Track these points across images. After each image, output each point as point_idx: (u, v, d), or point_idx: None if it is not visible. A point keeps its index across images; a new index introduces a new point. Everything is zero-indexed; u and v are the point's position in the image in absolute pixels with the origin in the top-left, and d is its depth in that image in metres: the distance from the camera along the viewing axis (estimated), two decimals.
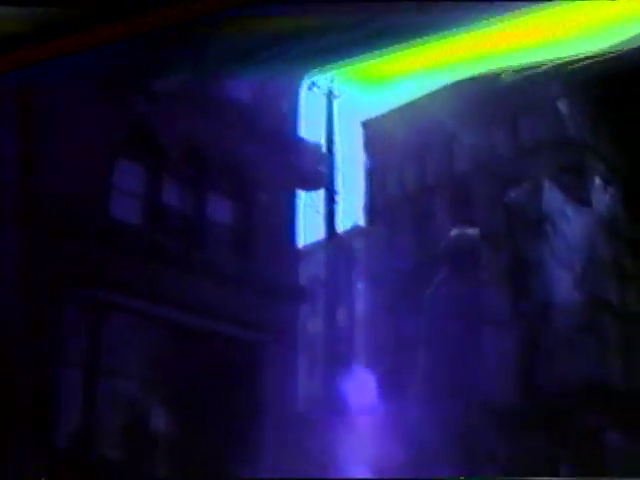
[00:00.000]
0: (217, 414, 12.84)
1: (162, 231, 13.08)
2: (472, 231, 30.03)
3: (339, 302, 15.67)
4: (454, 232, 28.73)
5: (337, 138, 13.98)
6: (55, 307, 11.07)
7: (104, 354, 12.06)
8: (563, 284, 26.01)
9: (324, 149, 14.18)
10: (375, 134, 13.99)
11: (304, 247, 21.93)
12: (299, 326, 17.89)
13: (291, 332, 15.66)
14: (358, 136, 14.01)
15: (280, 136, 13.97)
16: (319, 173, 13.84)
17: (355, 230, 30.65)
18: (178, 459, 12.10)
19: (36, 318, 10.43)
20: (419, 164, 16.95)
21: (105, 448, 11.98)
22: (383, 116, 13.40)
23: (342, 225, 25.53)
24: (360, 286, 22.43)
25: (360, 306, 25.35)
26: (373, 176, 16.37)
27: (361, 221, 33.63)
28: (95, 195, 12.12)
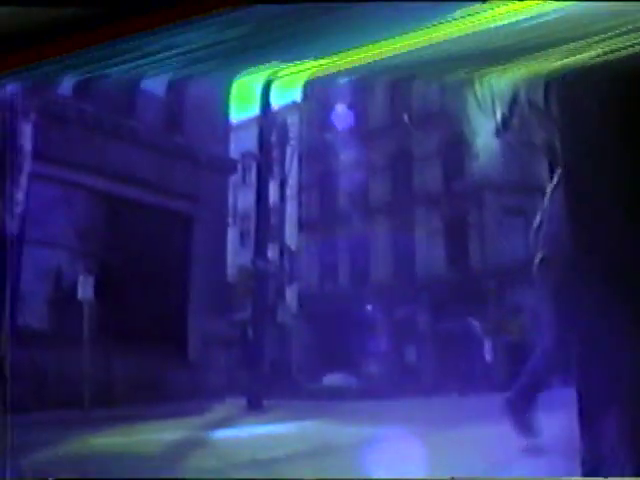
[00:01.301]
0: (146, 283, 12.88)
1: (92, 100, 12.73)
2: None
3: (271, 176, 15.61)
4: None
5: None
6: None
7: (32, 225, 11.92)
8: (493, 159, 26.31)
9: None
10: None
11: (239, 121, 21.70)
12: (230, 199, 17.88)
13: (222, 204, 15.61)
14: None
15: None
16: None
17: (291, 106, 30.27)
18: (105, 328, 12.16)
19: None
20: None
21: (32, 318, 11.96)
22: None
23: (278, 100, 25.18)
24: (293, 161, 22.37)
25: (292, 181, 25.37)
26: None
27: (297, 97, 33.17)
28: None
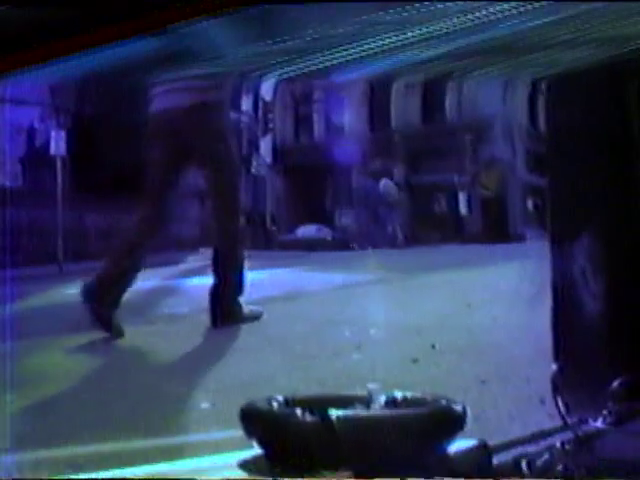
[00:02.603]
0: (119, 138, 12.73)
1: None
2: None
3: None
4: None
5: None
6: None
7: (2, 83, 11.63)
8: None
9: None
10: None
11: None
12: None
13: None
14: None
15: None
16: None
17: None
18: (78, 183, 12.09)
19: None
20: None
21: (5, 176, 11.86)
22: None
23: None
24: None
25: None
26: None
27: None
28: None
